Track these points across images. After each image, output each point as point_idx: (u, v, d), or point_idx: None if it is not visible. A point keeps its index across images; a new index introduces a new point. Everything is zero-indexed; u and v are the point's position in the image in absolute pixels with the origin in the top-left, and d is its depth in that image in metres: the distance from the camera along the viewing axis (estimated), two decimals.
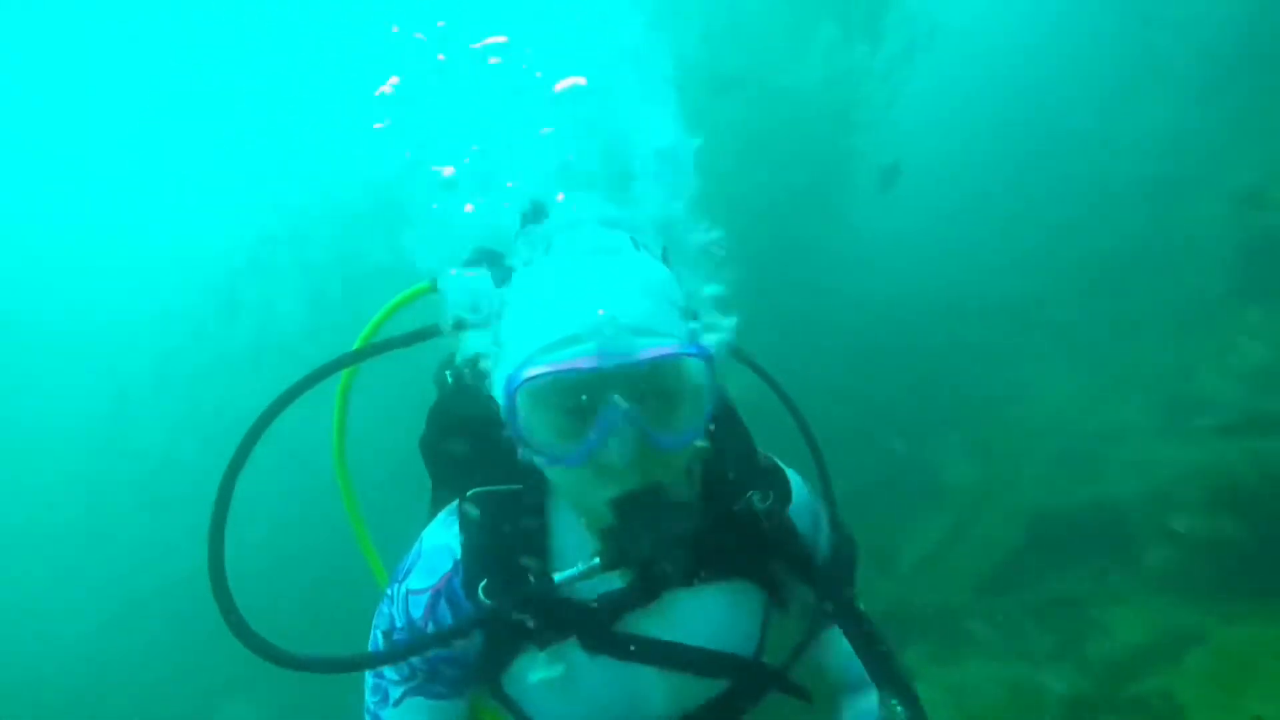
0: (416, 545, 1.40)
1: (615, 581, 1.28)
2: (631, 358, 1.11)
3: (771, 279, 7.33)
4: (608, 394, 1.12)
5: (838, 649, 1.51)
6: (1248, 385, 6.25)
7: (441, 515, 1.42)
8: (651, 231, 1.32)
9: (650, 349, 1.12)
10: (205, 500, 1.30)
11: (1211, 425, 6.02)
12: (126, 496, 9.78)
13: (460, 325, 1.31)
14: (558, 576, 1.23)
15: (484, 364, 1.26)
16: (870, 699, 1.48)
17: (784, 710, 1.52)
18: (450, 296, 1.33)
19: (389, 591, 1.37)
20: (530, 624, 1.26)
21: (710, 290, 1.33)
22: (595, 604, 1.29)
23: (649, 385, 1.15)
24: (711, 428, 1.24)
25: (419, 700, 1.35)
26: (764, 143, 8.62)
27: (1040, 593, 5.84)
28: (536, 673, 1.31)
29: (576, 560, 1.23)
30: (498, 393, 1.21)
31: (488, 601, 1.25)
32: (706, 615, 1.37)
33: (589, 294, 1.15)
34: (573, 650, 1.30)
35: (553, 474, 1.26)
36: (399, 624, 1.33)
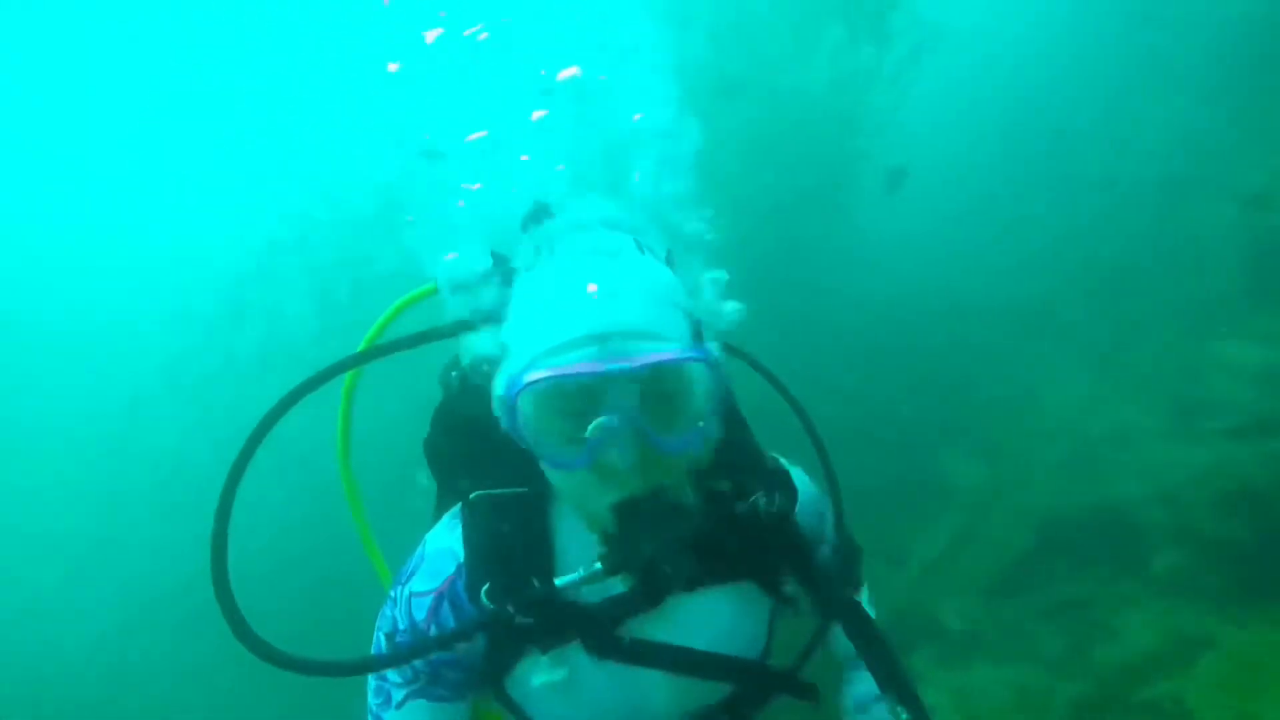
0: (420, 548, 1.40)
1: (619, 585, 1.27)
2: (633, 362, 1.11)
3: (778, 280, 7.33)
4: (609, 398, 1.12)
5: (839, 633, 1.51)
6: (1257, 387, 6.20)
7: (445, 518, 1.42)
8: (655, 232, 1.32)
9: (652, 353, 1.12)
10: (215, 504, 1.31)
11: (1221, 428, 5.98)
12: (137, 501, 9.83)
13: (465, 326, 1.31)
14: (560, 581, 1.23)
15: (488, 366, 1.26)
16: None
17: (791, 712, 1.51)
18: (442, 281, 1.33)
19: (392, 594, 1.38)
20: (533, 628, 1.26)
21: (711, 275, 1.33)
22: (599, 608, 1.29)
23: (651, 389, 1.15)
24: (715, 431, 1.23)
25: (421, 703, 1.35)
26: (770, 145, 8.63)
27: (1049, 596, 5.81)
28: (539, 676, 1.31)
29: (580, 563, 1.23)
30: (500, 396, 1.21)
31: (490, 605, 1.25)
32: (711, 618, 1.37)
33: (591, 298, 1.15)
34: (576, 654, 1.30)
35: (556, 478, 1.26)
36: (401, 626, 1.33)
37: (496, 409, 1.23)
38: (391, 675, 1.35)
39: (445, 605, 1.32)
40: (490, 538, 1.30)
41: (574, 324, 1.14)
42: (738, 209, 7.43)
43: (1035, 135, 11.08)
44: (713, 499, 1.34)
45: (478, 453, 1.37)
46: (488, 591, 1.26)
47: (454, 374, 1.53)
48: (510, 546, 1.29)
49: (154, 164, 12.36)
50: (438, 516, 1.48)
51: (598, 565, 1.20)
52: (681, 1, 8.04)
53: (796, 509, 1.43)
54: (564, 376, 1.12)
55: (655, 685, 1.35)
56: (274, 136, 10.93)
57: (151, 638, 8.87)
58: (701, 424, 1.20)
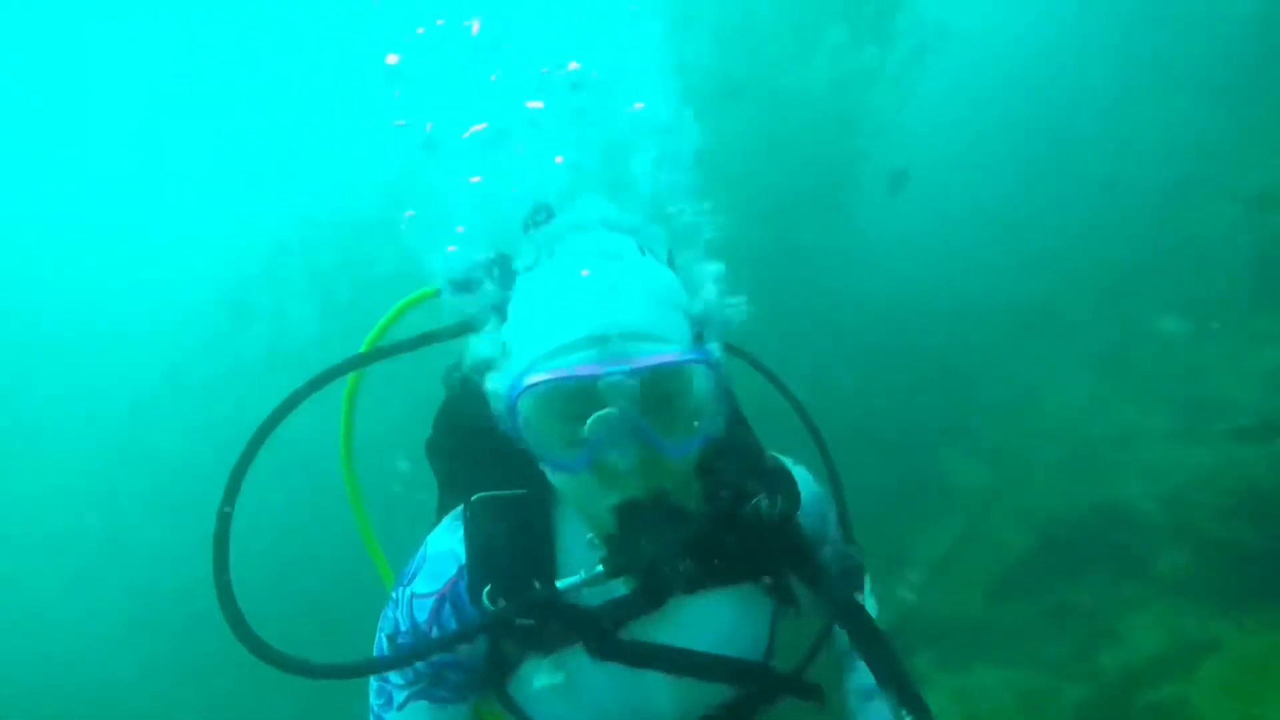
0: (422, 549, 1.40)
1: (621, 587, 1.27)
2: (633, 364, 1.11)
3: (780, 281, 7.32)
4: (610, 401, 1.12)
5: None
6: (1263, 388, 6.19)
7: (447, 520, 1.42)
8: (656, 233, 1.32)
9: (653, 356, 1.12)
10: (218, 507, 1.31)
11: (1226, 429, 5.96)
12: (142, 503, 9.84)
13: (467, 328, 1.31)
14: (562, 584, 1.23)
15: (489, 368, 1.26)
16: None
17: (796, 714, 1.51)
18: (442, 280, 1.33)
19: (394, 595, 1.38)
20: (535, 630, 1.26)
21: (712, 268, 1.32)
22: (600, 610, 1.29)
23: (652, 392, 1.15)
24: (716, 432, 1.23)
25: (423, 704, 1.35)
26: (772, 146, 8.63)
27: (1051, 598, 5.79)
28: (541, 678, 1.31)
29: (582, 566, 1.23)
30: (501, 398, 1.21)
31: (492, 607, 1.25)
32: (713, 620, 1.37)
33: (591, 300, 1.15)
34: (578, 656, 1.30)
35: (557, 480, 1.26)
36: (403, 627, 1.33)
37: (497, 411, 1.23)
38: (393, 676, 1.36)
39: (447, 607, 1.32)
40: (492, 539, 1.30)
41: (574, 326, 1.13)
42: (740, 210, 7.42)
43: (1037, 136, 11.07)
44: (714, 501, 1.33)
45: (480, 454, 1.37)
46: (489, 593, 1.25)
47: (457, 375, 1.53)
48: (512, 548, 1.29)
49: (158, 167, 12.39)
50: (440, 517, 1.48)
51: (599, 568, 1.20)
52: (684, 3, 8.05)
53: (799, 510, 1.44)
54: (564, 379, 1.12)
55: (657, 688, 1.35)
56: (277, 139, 10.96)
57: (156, 640, 8.87)
58: (702, 426, 1.19)
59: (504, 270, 1.32)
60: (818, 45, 9.34)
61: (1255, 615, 4.81)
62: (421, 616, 1.32)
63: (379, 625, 1.38)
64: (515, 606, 1.24)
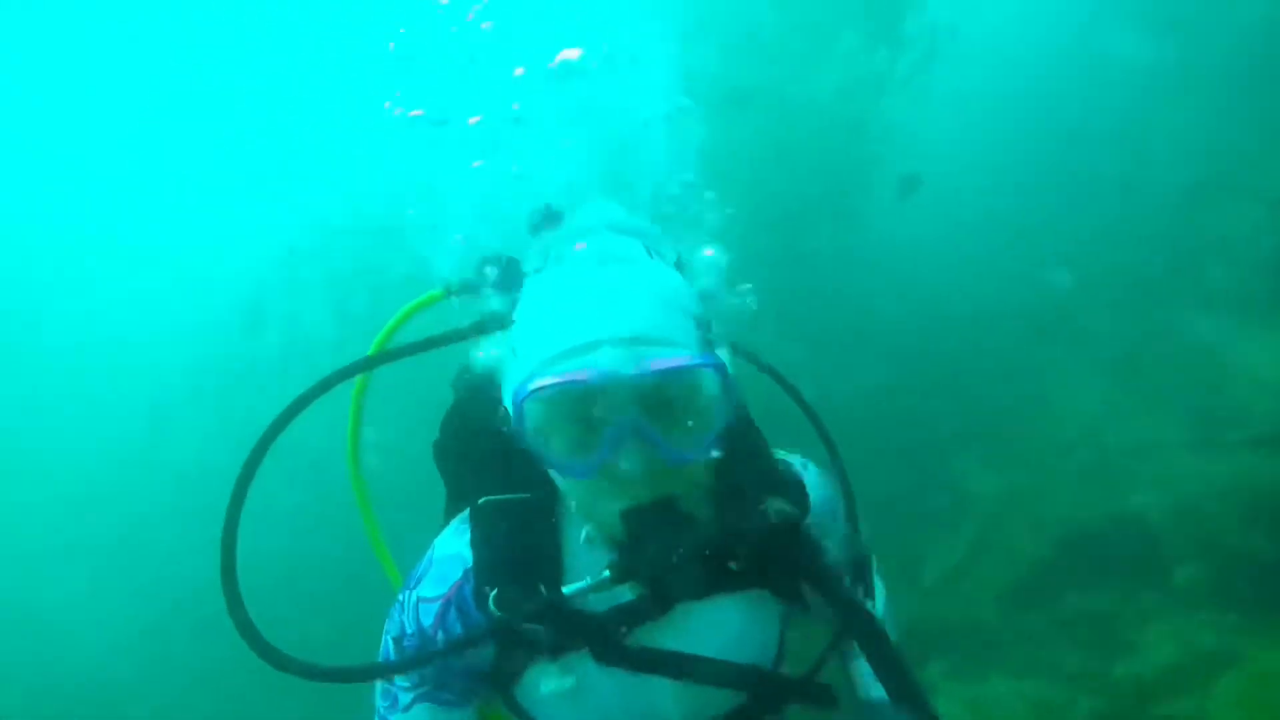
0: (429, 552, 1.40)
1: (627, 593, 1.27)
2: (641, 368, 1.10)
3: (792, 288, 7.30)
4: (617, 406, 1.12)
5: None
6: None
7: (454, 523, 1.42)
8: (664, 236, 1.32)
9: (660, 360, 1.12)
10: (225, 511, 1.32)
11: (1243, 439, 5.88)
12: (158, 507, 9.91)
13: (475, 331, 1.31)
14: (568, 589, 1.22)
15: (496, 371, 1.27)
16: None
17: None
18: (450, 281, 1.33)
19: (400, 598, 1.38)
20: (541, 635, 1.26)
21: (719, 257, 1.32)
22: (607, 615, 1.28)
23: (660, 397, 1.14)
24: (725, 437, 1.23)
25: (427, 707, 1.36)
26: (782, 152, 8.61)
27: (1066, 608, 5.72)
28: (548, 683, 1.31)
29: (588, 570, 1.23)
30: (508, 402, 1.21)
31: (498, 612, 1.25)
32: (721, 626, 1.36)
33: (598, 304, 1.15)
34: (584, 661, 1.30)
35: (565, 484, 1.26)
36: (409, 630, 1.34)
37: (505, 414, 1.23)
38: (399, 679, 1.36)
39: (452, 611, 1.32)
40: (498, 544, 1.30)
41: (581, 330, 1.13)
42: (750, 216, 7.41)
43: (1051, 138, 10.99)
44: (723, 507, 1.33)
45: (487, 457, 1.37)
46: (495, 598, 1.25)
47: (465, 379, 1.53)
48: (518, 553, 1.29)
49: (173, 173, 12.53)
50: (447, 520, 1.48)
51: (606, 573, 1.20)
52: (693, 10, 8.06)
53: (808, 516, 1.43)
54: (570, 383, 1.11)
55: (664, 693, 1.34)
56: (292, 145, 11.05)
57: (169, 642, 8.93)
58: (711, 431, 1.19)
59: (511, 273, 1.33)
60: (828, 50, 9.32)
61: (1274, 627, 4.73)
62: (427, 620, 1.32)
63: (385, 627, 1.39)
64: (521, 612, 1.24)
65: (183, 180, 12.50)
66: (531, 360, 1.17)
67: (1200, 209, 8.52)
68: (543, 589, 1.25)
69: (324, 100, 10.44)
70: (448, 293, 1.51)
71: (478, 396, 1.42)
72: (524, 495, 1.34)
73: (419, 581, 1.36)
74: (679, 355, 1.14)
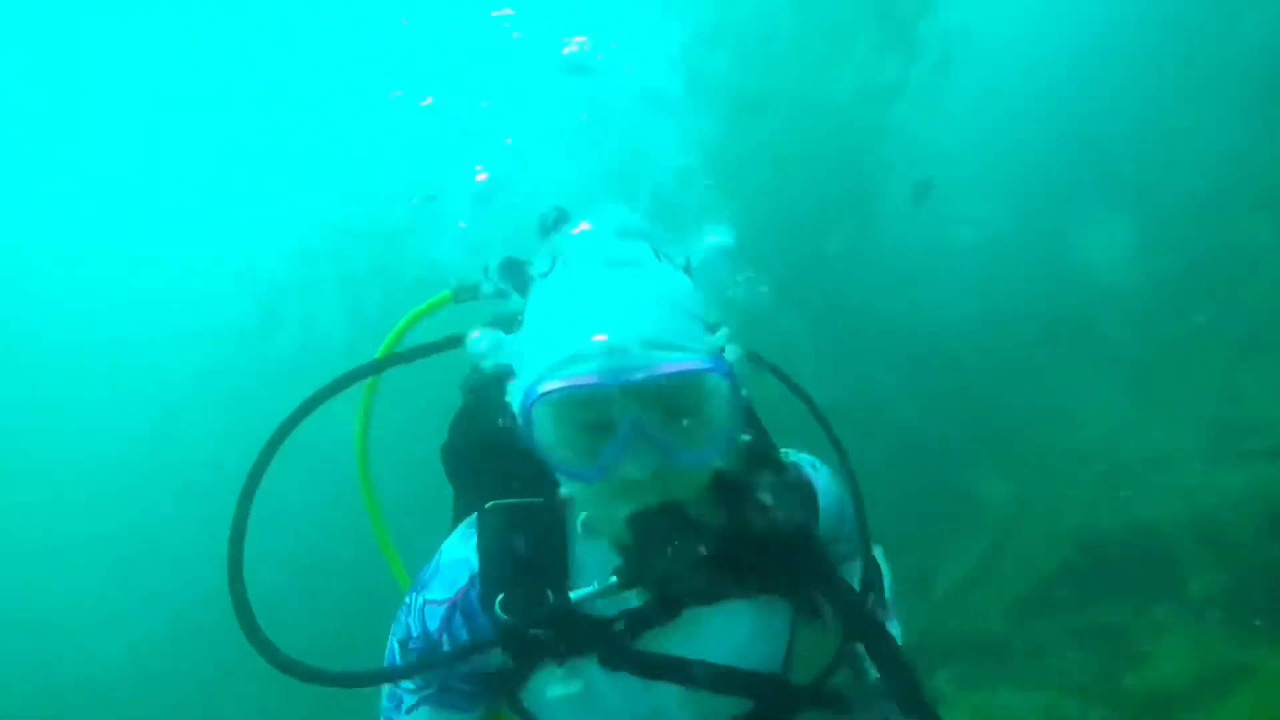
0: (436, 556, 1.40)
1: (635, 598, 1.27)
2: (648, 373, 1.10)
3: (807, 294, 7.28)
4: (624, 410, 1.12)
5: None
6: None
7: (461, 527, 1.42)
8: (673, 239, 1.32)
9: (667, 364, 1.11)
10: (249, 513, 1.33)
11: (1260, 449, 5.81)
12: (170, 508, 9.97)
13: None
14: (575, 595, 1.23)
15: (504, 375, 1.27)
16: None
17: None
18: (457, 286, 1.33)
19: (407, 601, 1.38)
20: (547, 640, 1.26)
21: (719, 240, 1.31)
22: (614, 621, 1.28)
23: (667, 401, 1.14)
24: (734, 441, 1.22)
25: (432, 709, 1.36)
26: (797, 157, 8.60)
27: (1079, 619, 5.66)
28: (555, 688, 1.31)
29: (596, 575, 1.23)
30: (515, 406, 1.21)
31: (504, 617, 1.25)
32: (729, 632, 1.36)
33: (605, 308, 1.14)
34: (591, 666, 1.29)
35: (572, 489, 1.26)
36: (415, 633, 1.34)
37: (513, 418, 1.23)
38: (405, 681, 1.36)
39: (458, 615, 1.32)
40: (505, 548, 1.30)
41: (589, 333, 1.13)
42: (765, 222, 7.41)
43: (1067, 145, 10.92)
44: (731, 512, 1.32)
45: (494, 461, 1.38)
46: (502, 603, 1.25)
47: (473, 381, 1.54)
48: (525, 558, 1.29)
49: (189, 175, 12.65)
50: (455, 523, 1.48)
51: (613, 579, 1.19)
52: (709, 16, 8.07)
53: (818, 516, 1.42)
54: (578, 387, 1.11)
55: (671, 699, 1.34)
56: (309, 145, 11.13)
57: (180, 644, 8.98)
58: (719, 435, 1.18)
59: (519, 276, 1.33)
60: (842, 56, 9.30)
61: None
62: (433, 624, 1.32)
63: (392, 629, 1.39)
64: (528, 617, 1.24)
65: (198, 183, 12.62)
66: (539, 363, 1.17)
67: (1219, 216, 8.44)
68: (550, 594, 1.25)
69: (338, 102, 10.51)
70: (456, 296, 1.52)
71: (486, 400, 1.42)
72: (531, 499, 1.33)
73: (426, 585, 1.37)
74: (687, 359, 1.13)
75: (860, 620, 1.39)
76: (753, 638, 1.38)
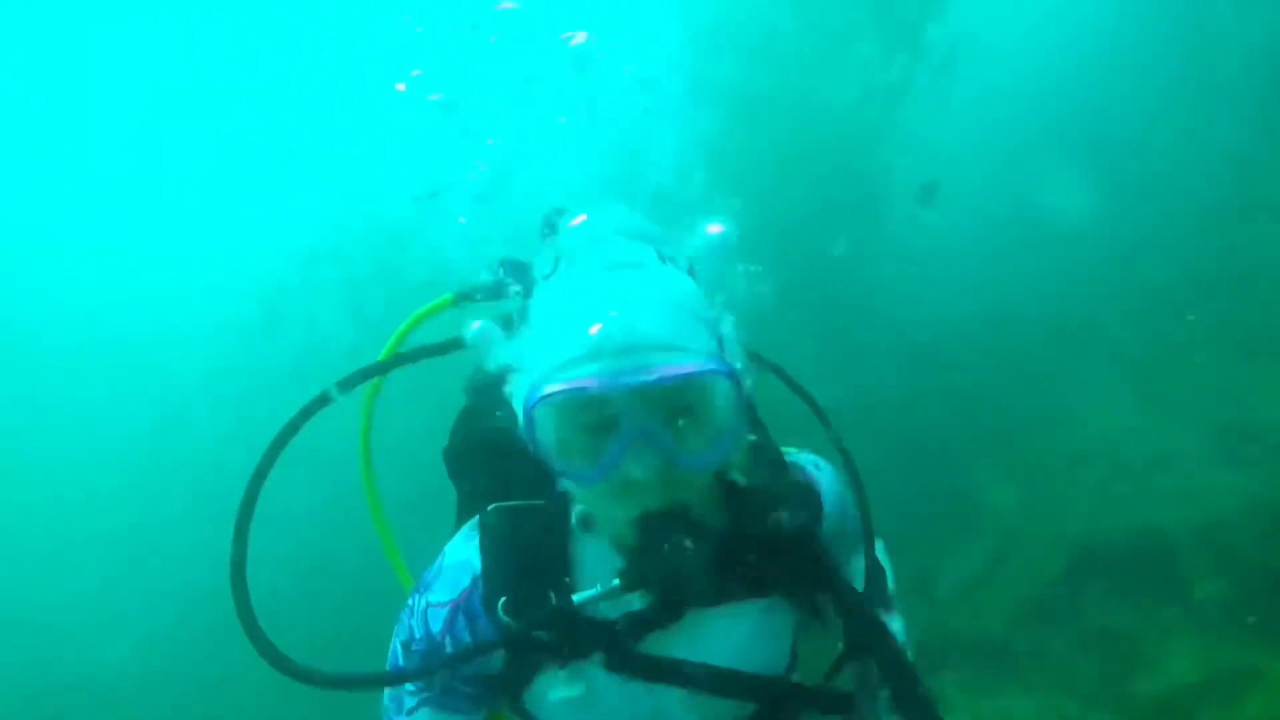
0: (440, 558, 1.40)
1: (638, 600, 1.26)
2: (651, 375, 1.09)
3: (808, 294, 7.28)
4: (627, 412, 1.11)
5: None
6: None
7: (464, 529, 1.42)
8: (677, 240, 1.31)
9: (670, 366, 1.11)
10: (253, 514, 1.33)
11: (1266, 452, 5.79)
12: (174, 509, 9.98)
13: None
14: (578, 597, 1.22)
15: (507, 377, 1.27)
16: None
17: None
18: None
19: (410, 602, 1.38)
20: (550, 642, 1.25)
21: (719, 232, 1.31)
22: (617, 623, 1.28)
23: (671, 403, 1.14)
24: (738, 444, 1.22)
25: (433, 711, 1.36)
26: (802, 160, 8.60)
27: (1084, 623, 5.64)
28: (557, 691, 1.31)
29: (599, 577, 1.23)
30: (517, 408, 1.21)
31: (507, 619, 1.25)
32: (733, 634, 1.35)
33: (608, 309, 1.14)
34: (594, 669, 1.29)
35: (575, 491, 1.25)
36: (418, 635, 1.34)
37: (515, 420, 1.23)
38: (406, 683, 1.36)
39: (461, 618, 1.32)
40: (507, 551, 1.30)
41: (591, 336, 1.12)
42: (769, 224, 7.41)
43: (1072, 148, 10.89)
44: (735, 514, 1.32)
45: (497, 463, 1.38)
46: (504, 605, 1.25)
47: (476, 383, 1.54)
48: (528, 560, 1.29)
49: (193, 176, 12.69)
50: (458, 526, 1.48)
51: (616, 581, 1.19)
52: (712, 17, 8.08)
53: (822, 517, 1.42)
54: (580, 389, 1.11)
55: (673, 702, 1.34)
56: (312, 147, 11.16)
57: (182, 644, 8.99)
58: (723, 437, 1.18)
59: (522, 278, 1.33)
60: (846, 57, 9.30)
61: None
62: (436, 626, 1.32)
63: (395, 630, 1.39)
64: (530, 619, 1.23)
65: (202, 182, 12.67)
66: (542, 365, 1.17)
67: (1225, 217, 8.42)
68: (552, 596, 1.25)
69: (346, 103, 10.54)
70: (458, 298, 1.52)
71: (489, 401, 1.42)
72: (534, 501, 1.33)
73: (429, 587, 1.37)
74: (690, 362, 1.13)
75: (862, 622, 1.38)
76: (755, 640, 1.38)
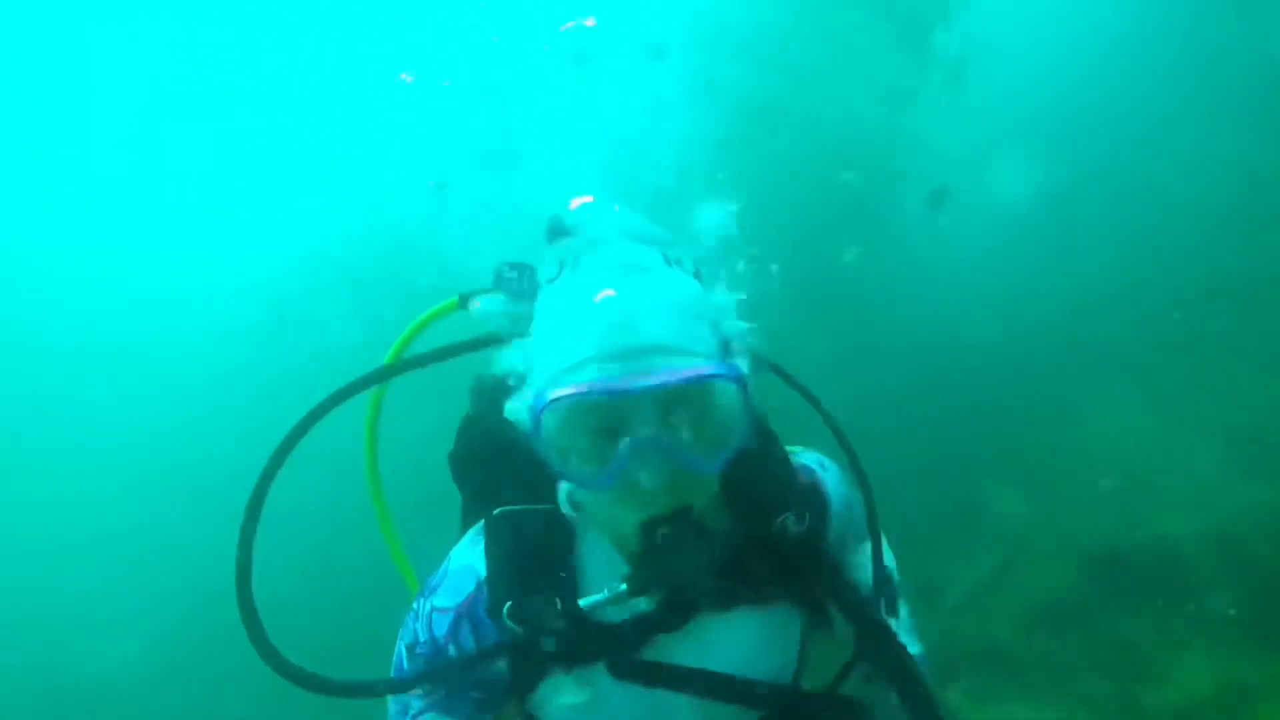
0: (445, 562, 1.40)
1: (644, 605, 1.26)
2: (658, 378, 1.09)
3: (818, 302, 7.27)
4: (634, 416, 1.11)
5: None
6: None
7: (470, 533, 1.41)
8: (682, 244, 1.30)
9: (676, 370, 1.10)
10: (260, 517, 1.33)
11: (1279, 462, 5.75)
12: (183, 512, 10.02)
13: (492, 340, 1.31)
14: (584, 602, 1.21)
15: (513, 381, 1.26)
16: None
17: None
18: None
19: (415, 606, 1.38)
20: (556, 648, 1.24)
21: (722, 213, 1.30)
22: (623, 628, 1.27)
23: (677, 407, 1.13)
24: (745, 448, 1.21)
25: (438, 716, 1.35)
26: (811, 167, 8.60)
27: (1094, 634, 5.60)
28: (563, 696, 1.30)
29: (604, 582, 1.22)
30: (523, 412, 1.20)
31: (512, 625, 1.24)
32: (739, 640, 1.34)
33: (615, 313, 1.13)
34: (600, 674, 1.28)
35: (581, 495, 1.24)
36: (422, 639, 1.34)
37: (521, 425, 1.22)
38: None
39: (465, 624, 1.31)
40: (512, 556, 1.29)
41: (597, 339, 1.12)
42: (778, 231, 7.41)
43: (1085, 154, 10.86)
44: (743, 518, 1.31)
45: (502, 467, 1.37)
46: (509, 611, 1.24)
47: (482, 387, 1.53)
48: (533, 565, 1.28)
49: (202, 179, 12.76)
50: (464, 530, 1.47)
51: (622, 586, 1.18)
52: (723, 24, 8.09)
53: (828, 519, 1.41)
54: (587, 393, 1.10)
55: (680, 707, 1.32)
56: (320, 152, 11.22)
57: (186, 647, 9.01)
58: (729, 441, 1.17)
59: (527, 281, 1.32)
60: (857, 64, 9.31)
61: None
62: (440, 631, 1.32)
63: (399, 633, 1.39)
64: (536, 625, 1.23)
65: (211, 186, 12.73)
66: (548, 369, 1.16)
67: (1238, 226, 8.37)
68: (558, 601, 1.24)
69: (355, 107, 10.59)
70: (463, 302, 1.51)
71: (494, 406, 1.42)
72: (540, 506, 1.32)
73: (434, 591, 1.36)
74: (697, 365, 1.12)
75: (869, 626, 1.37)
76: (763, 646, 1.37)
